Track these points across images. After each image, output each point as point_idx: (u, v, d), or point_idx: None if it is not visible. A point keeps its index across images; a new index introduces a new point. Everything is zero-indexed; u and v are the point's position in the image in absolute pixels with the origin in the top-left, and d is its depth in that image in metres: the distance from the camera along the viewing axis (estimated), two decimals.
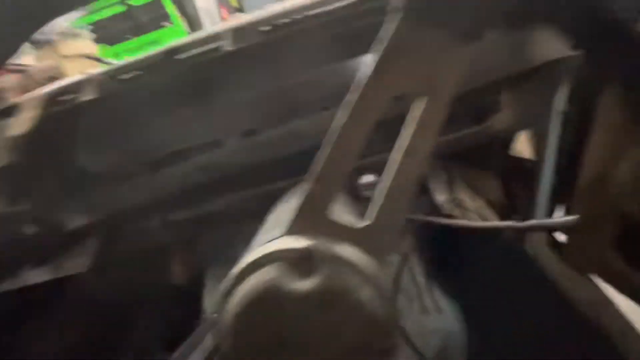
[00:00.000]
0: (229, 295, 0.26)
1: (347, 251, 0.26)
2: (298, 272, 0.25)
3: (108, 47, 4.30)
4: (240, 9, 4.56)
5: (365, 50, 0.54)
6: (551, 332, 0.58)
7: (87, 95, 0.54)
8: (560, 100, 0.74)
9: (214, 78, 0.54)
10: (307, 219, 0.26)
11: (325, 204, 0.26)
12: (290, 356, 0.26)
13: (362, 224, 0.27)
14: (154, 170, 0.61)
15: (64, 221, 0.63)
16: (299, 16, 0.51)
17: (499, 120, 0.62)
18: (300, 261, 0.25)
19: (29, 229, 0.65)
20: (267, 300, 0.25)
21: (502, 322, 0.61)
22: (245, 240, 0.40)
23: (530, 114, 0.64)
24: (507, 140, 0.88)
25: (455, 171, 0.93)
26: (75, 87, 0.56)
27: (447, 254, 0.72)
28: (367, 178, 0.64)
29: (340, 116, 0.26)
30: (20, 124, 0.54)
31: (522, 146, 0.91)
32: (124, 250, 0.79)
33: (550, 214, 0.87)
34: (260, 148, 0.56)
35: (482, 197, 1.15)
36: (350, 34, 0.52)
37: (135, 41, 4.32)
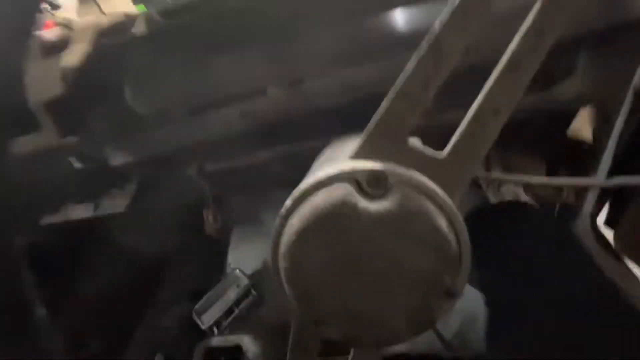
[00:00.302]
0: (289, 214, 0.25)
1: (425, 179, 0.24)
2: (370, 192, 0.23)
3: (145, 7, 4.34)
4: None
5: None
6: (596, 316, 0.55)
7: (137, 31, 0.53)
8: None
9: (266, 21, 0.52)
10: (381, 142, 0.24)
11: (405, 126, 0.24)
12: (351, 282, 0.24)
13: (442, 154, 0.24)
14: (195, 115, 0.60)
15: (107, 159, 0.64)
16: None
17: (568, 88, 0.55)
18: (373, 182, 0.23)
19: (75, 164, 0.67)
20: (334, 219, 0.23)
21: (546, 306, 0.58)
22: (275, 204, 0.38)
23: (607, 84, 0.57)
24: (564, 117, 0.81)
25: (493, 150, 0.87)
26: (127, 22, 0.56)
27: (488, 232, 0.68)
28: None
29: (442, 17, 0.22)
30: (72, 56, 0.55)
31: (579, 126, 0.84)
32: (160, 196, 0.81)
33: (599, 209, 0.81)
34: (307, 98, 0.54)
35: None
36: None
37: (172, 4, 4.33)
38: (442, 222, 0.23)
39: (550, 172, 1.00)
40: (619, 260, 0.76)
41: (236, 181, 0.84)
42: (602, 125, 0.79)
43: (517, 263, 0.70)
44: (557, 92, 0.57)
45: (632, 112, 0.72)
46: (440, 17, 0.23)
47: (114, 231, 0.81)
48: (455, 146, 0.24)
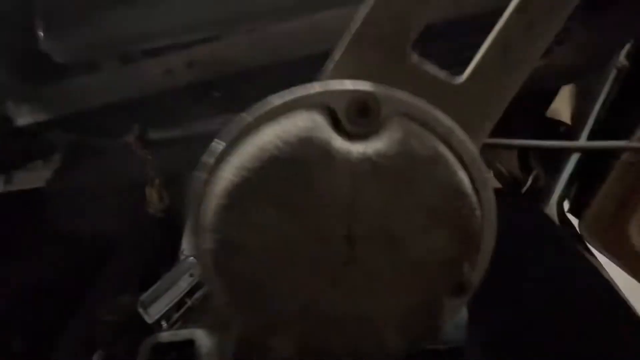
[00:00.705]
0: (218, 162, 0.15)
1: (436, 112, 0.15)
2: (352, 128, 0.14)
3: None
4: None
5: None
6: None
7: None
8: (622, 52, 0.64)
9: None
10: (371, 54, 0.15)
11: (406, 30, 0.15)
12: (316, 269, 0.15)
13: (459, 79, 0.16)
14: (127, 62, 0.48)
15: (13, 115, 0.50)
16: None
17: (562, 55, 0.50)
18: (356, 112, 0.14)
19: None
20: (293, 167, 0.14)
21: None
22: None
23: (598, 54, 0.53)
24: (544, 96, 0.77)
25: None
26: None
27: None
28: None
29: None
30: None
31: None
32: (95, 169, 0.68)
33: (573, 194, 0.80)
34: (270, 43, 0.44)
35: (490, 167, 1.06)
36: None
37: None
38: (462, 177, 0.15)
39: (521, 157, 0.98)
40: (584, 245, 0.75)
41: (190, 154, 0.72)
42: (583, 103, 0.77)
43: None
44: (552, 58, 0.51)
45: (612, 90, 0.70)
46: None
47: (37, 210, 0.68)
48: (477, 69, 0.16)
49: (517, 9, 0.17)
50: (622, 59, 0.65)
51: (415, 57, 0.16)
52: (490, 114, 0.17)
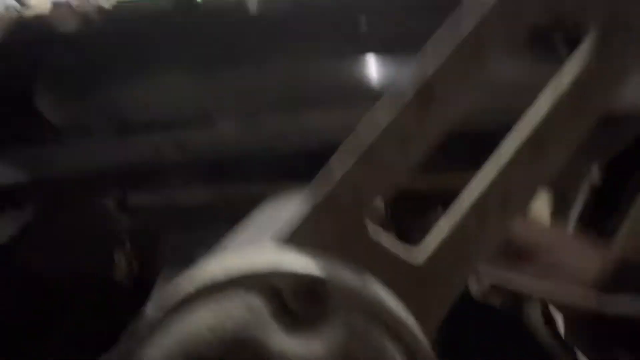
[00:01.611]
0: (162, 320, 0.14)
1: (388, 302, 0.14)
2: (296, 314, 0.13)
3: None
4: None
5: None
6: None
7: (67, 25, 0.43)
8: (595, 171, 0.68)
9: (227, 41, 0.45)
10: (329, 224, 0.15)
11: (366, 203, 0.15)
12: None
13: (418, 258, 0.15)
14: (122, 133, 0.49)
15: None
16: None
17: None
18: (303, 295, 0.13)
19: None
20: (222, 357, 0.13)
21: None
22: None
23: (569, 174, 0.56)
24: None
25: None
26: (55, 13, 0.46)
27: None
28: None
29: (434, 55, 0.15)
30: None
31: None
32: (64, 227, 0.65)
33: None
34: (259, 136, 0.46)
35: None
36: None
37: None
38: None
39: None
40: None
41: (170, 217, 0.71)
42: (560, 210, 0.79)
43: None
44: None
45: (587, 203, 0.73)
46: (427, 62, 0.16)
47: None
48: (441, 247, 0.15)
49: (493, 184, 0.17)
50: (594, 175, 0.69)
51: (374, 230, 0.16)
52: (449, 296, 0.16)
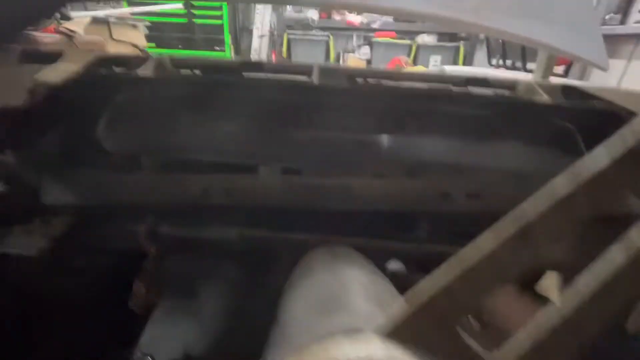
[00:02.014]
0: None
1: None
2: None
3: (155, 46, 4.51)
4: (288, 61, 4.89)
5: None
6: None
7: (143, 71, 0.48)
8: None
9: (285, 102, 0.49)
10: (428, 327, 0.17)
11: (458, 315, 0.17)
12: None
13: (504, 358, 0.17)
14: (171, 170, 0.53)
15: (41, 193, 0.52)
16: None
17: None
18: None
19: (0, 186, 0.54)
20: None
21: None
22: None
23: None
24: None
25: None
26: (132, 59, 0.51)
27: None
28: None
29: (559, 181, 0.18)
30: (56, 73, 0.48)
31: None
32: (90, 246, 0.67)
33: None
34: (298, 190, 0.49)
35: None
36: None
37: (181, 52, 4.56)
38: None
39: None
40: None
41: (192, 249, 0.72)
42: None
43: None
44: (539, 254, 0.56)
45: None
46: (529, 206, 0.18)
47: (11, 274, 0.64)
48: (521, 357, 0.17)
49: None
50: None
51: (464, 334, 0.18)
52: None
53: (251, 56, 4.53)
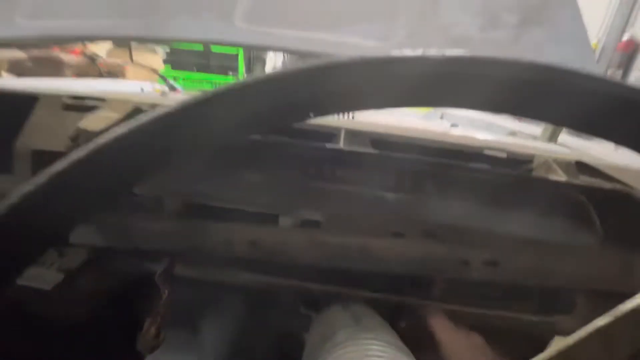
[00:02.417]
0: None
1: None
2: None
3: (171, 68, 4.68)
4: None
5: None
6: None
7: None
8: None
9: (307, 159, 0.52)
10: None
11: None
12: None
13: None
14: (191, 214, 0.54)
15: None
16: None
17: (565, 322, 0.56)
18: None
19: None
20: None
21: None
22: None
23: None
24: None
25: None
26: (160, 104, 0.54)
27: None
28: None
29: None
30: (97, 121, 0.51)
31: None
32: (101, 286, 0.67)
33: None
34: (319, 248, 0.50)
35: None
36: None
37: (197, 75, 4.73)
38: None
39: None
40: None
41: (203, 291, 0.73)
42: None
43: None
44: (553, 321, 0.57)
45: None
46: None
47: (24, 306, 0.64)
48: None
49: None
50: None
51: None
52: None
53: None
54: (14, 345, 0.68)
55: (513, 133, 1.26)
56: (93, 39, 0.75)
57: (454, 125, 0.87)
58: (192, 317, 0.81)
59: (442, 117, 2.24)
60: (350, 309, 0.49)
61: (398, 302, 0.54)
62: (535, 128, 1.30)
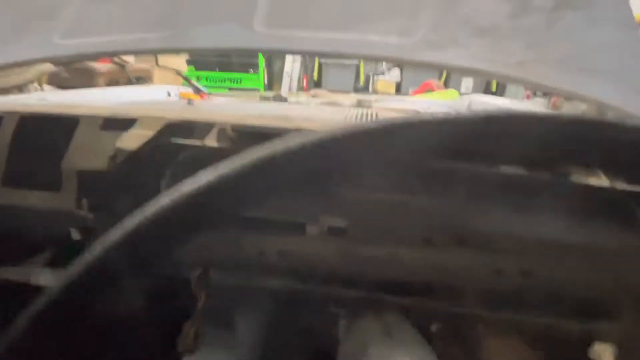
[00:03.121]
0: None
1: None
2: None
3: (194, 69, 4.79)
4: (318, 84, 5.03)
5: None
6: None
7: (210, 142, 0.53)
8: None
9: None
10: None
11: None
12: None
13: None
14: (228, 227, 0.56)
15: None
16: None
17: (607, 329, 0.53)
18: None
19: (75, 234, 0.60)
20: None
21: None
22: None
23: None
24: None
25: None
26: (198, 126, 0.56)
27: None
28: None
29: None
30: (132, 140, 0.53)
31: None
32: (147, 286, 0.71)
33: None
34: (348, 258, 0.51)
35: None
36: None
37: (218, 74, 4.82)
38: None
39: None
40: None
41: (232, 299, 0.76)
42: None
43: None
44: (595, 328, 0.54)
45: None
46: None
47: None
48: None
49: None
50: None
51: None
52: None
53: (283, 79, 4.70)
54: (60, 344, 0.74)
55: None
56: (121, 53, 0.78)
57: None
58: (226, 318, 0.85)
59: (468, 107, 2.15)
60: (383, 319, 0.49)
61: (430, 307, 0.53)
62: None
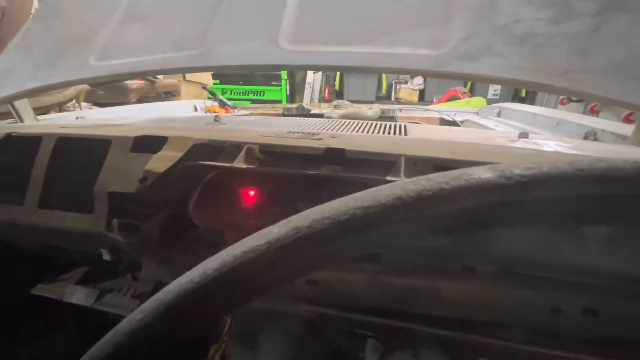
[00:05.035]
0: None
1: None
2: None
3: (219, 83, 4.94)
4: (340, 94, 5.03)
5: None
6: None
7: (238, 163, 0.51)
8: None
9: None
10: None
11: None
12: None
13: None
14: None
15: (140, 269, 0.57)
16: None
17: None
18: None
19: (106, 255, 0.60)
20: None
21: None
22: None
23: None
24: None
25: None
26: (226, 147, 0.55)
27: None
28: None
29: None
30: (161, 162, 0.53)
31: None
32: None
33: None
34: (385, 291, 0.47)
35: None
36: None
37: (242, 87, 4.94)
38: None
39: None
40: None
41: (258, 322, 0.73)
42: None
43: None
44: None
45: None
46: None
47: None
48: None
49: None
50: None
51: None
52: None
53: (305, 90, 4.75)
54: None
55: (592, 133, 1.10)
56: (151, 74, 0.80)
57: (522, 134, 0.77)
58: (253, 341, 0.83)
59: (498, 115, 2.06)
60: (418, 352, 0.45)
61: (472, 341, 0.49)
62: (620, 125, 1.09)
